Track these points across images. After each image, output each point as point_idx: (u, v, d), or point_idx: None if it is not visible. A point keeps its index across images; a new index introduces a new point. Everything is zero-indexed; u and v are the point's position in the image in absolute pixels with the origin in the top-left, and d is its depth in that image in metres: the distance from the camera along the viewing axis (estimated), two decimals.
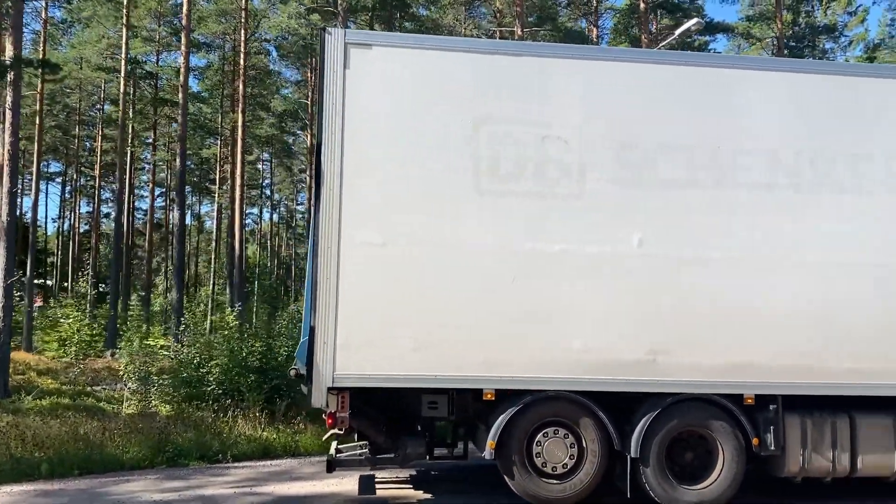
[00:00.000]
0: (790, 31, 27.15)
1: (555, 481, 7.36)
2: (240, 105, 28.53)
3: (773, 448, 7.46)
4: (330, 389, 7.10)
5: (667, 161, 7.60)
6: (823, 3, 29.97)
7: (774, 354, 7.50)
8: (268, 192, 56.72)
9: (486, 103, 7.50)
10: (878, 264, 7.66)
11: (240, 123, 28.38)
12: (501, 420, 7.24)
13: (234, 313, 16.36)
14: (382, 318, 7.19)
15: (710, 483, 7.50)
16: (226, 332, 14.59)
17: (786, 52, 26.89)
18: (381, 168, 7.35)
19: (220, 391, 12.48)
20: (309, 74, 35.00)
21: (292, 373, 7.84)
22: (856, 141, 7.79)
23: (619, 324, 7.42)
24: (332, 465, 7.58)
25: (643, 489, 7.44)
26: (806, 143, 7.73)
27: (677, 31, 19.84)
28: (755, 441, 7.46)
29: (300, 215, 61.14)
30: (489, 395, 7.30)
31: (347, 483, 8.64)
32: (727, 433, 7.48)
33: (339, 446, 8.40)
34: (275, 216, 61.72)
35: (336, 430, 8.54)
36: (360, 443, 8.43)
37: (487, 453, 7.23)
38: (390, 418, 7.77)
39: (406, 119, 7.42)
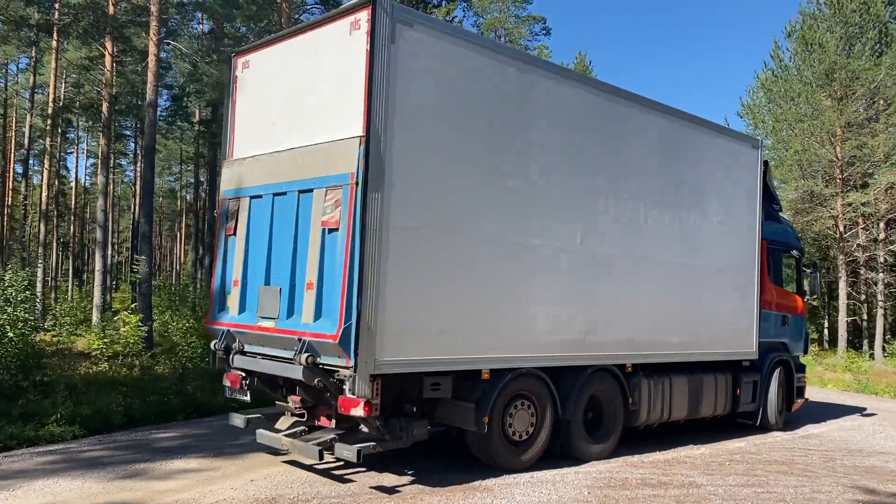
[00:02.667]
0: None
1: (520, 448, 8.39)
2: None
3: (635, 405, 9.73)
4: (372, 377, 6.90)
5: (596, 172, 9.19)
6: (428, 9, 34.15)
7: (642, 332, 9.79)
8: None
9: (497, 106, 8.09)
10: (686, 265, 10.54)
11: None
12: (494, 395, 7.94)
13: None
14: (417, 303, 7.27)
15: (609, 439, 9.46)
16: None
17: None
18: (422, 151, 7.37)
19: None
20: None
21: (307, 359, 7.00)
22: (684, 175, 10.56)
23: (569, 308, 8.80)
24: (359, 455, 7.11)
25: (567, 448, 8.95)
26: (662, 172, 10.19)
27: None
28: (630, 400, 9.62)
29: None
30: (486, 374, 7.93)
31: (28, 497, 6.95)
32: (616, 396, 9.49)
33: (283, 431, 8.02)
34: None
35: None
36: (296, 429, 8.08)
37: (482, 427, 7.83)
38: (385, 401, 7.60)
39: (444, 107, 7.58)
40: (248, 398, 8.48)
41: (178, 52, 27.80)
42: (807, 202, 30.12)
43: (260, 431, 8.36)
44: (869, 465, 9.75)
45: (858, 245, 29.53)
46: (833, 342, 32.89)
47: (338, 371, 6.99)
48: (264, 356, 7.81)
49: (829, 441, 11.55)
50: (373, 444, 7.39)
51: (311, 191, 7.48)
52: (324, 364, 7.13)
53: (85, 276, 48.09)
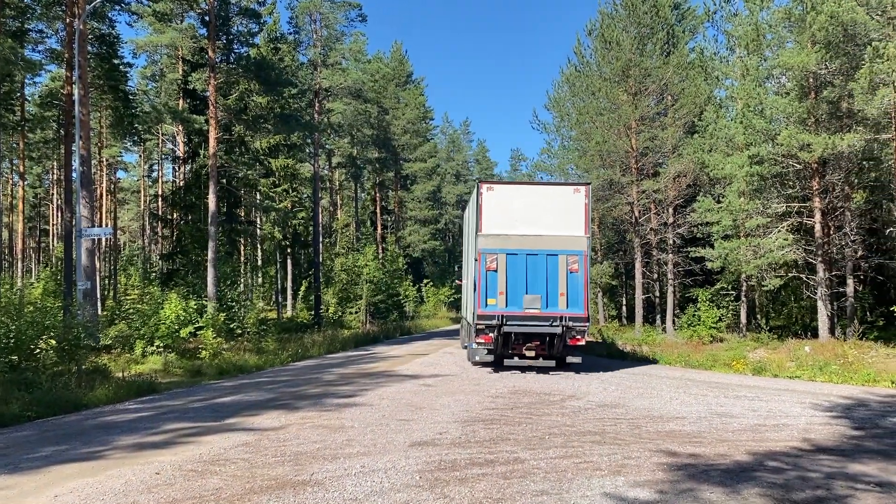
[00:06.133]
0: (218, 8, 28.79)
1: None
2: None
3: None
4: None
5: None
6: None
7: None
8: None
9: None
10: None
11: None
12: None
13: None
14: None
15: None
16: None
17: (217, 22, 28.50)
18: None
19: None
20: None
21: (570, 324, 17.00)
22: None
23: None
24: (581, 360, 18.30)
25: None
26: None
27: (92, 5, 21.30)
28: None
29: None
30: None
31: None
32: None
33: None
34: None
35: None
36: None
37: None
38: None
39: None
40: (493, 346, 17.85)
41: None
42: (607, 190, 32.47)
43: (507, 361, 18.15)
44: (669, 430, 10.69)
45: (651, 229, 32.28)
46: (631, 318, 35.83)
47: (576, 328, 17.09)
48: (527, 324, 17.39)
49: (633, 410, 12.54)
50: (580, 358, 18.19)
51: (555, 255, 17.51)
52: (569, 325, 17.10)
53: None
